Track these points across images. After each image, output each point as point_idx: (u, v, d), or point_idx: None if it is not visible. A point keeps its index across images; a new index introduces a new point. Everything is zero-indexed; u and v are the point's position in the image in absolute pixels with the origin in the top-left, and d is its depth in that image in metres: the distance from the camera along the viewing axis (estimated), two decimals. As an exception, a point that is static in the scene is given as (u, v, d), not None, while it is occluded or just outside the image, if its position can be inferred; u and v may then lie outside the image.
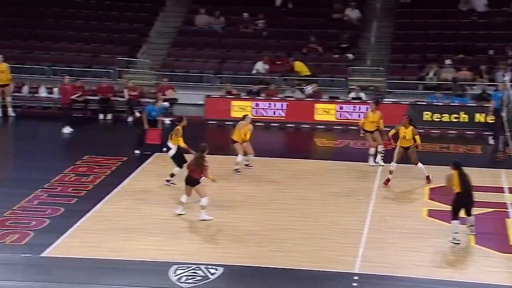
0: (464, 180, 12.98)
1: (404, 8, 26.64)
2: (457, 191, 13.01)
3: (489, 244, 12.87)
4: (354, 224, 13.89)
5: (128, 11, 27.70)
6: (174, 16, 27.69)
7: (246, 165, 17.25)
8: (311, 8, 27.01)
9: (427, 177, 16.09)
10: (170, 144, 15.87)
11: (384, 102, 22.59)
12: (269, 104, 22.74)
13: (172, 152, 15.79)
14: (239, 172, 16.93)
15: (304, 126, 22.27)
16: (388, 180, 16.03)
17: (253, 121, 18.46)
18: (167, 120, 22.44)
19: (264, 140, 21.48)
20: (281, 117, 22.62)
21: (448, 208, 14.52)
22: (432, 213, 14.49)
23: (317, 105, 22.52)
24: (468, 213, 13.17)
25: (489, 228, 13.65)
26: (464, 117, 21.55)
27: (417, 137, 16.21)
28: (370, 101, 19.29)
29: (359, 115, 21.91)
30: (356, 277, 11.56)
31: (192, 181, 13.90)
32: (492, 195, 15.34)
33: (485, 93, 22.10)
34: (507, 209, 14.50)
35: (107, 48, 26.05)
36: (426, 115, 21.86)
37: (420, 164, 16.14)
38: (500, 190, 15.68)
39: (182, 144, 15.77)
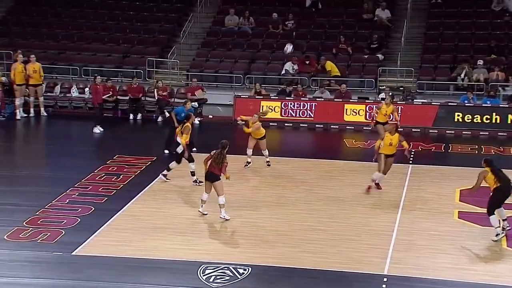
0: (500, 175, 13.00)
1: (435, 8, 26.39)
2: (495, 186, 12.99)
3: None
4: (383, 225, 13.79)
5: (159, 12, 27.92)
6: (204, 17, 27.81)
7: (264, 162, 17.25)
8: (340, 9, 26.93)
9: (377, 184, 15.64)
10: (179, 139, 15.88)
11: (415, 103, 22.46)
12: (298, 104, 22.70)
13: (181, 148, 15.85)
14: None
15: (333, 126, 22.19)
16: (369, 187, 15.56)
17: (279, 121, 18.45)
18: (196, 121, 22.55)
19: (293, 141, 21.49)
20: (310, 117, 22.56)
21: (479, 210, 14.41)
22: (462, 215, 14.33)
23: (347, 106, 22.40)
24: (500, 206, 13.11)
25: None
26: (496, 118, 21.25)
27: (404, 143, 15.61)
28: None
29: (389, 116, 21.77)
30: (385, 279, 11.49)
31: (212, 177, 13.84)
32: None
33: (519, 94, 21.84)
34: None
35: (137, 49, 26.27)
36: (458, 116, 21.61)
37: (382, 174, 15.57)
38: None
39: (183, 142, 15.78)
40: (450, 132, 21.41)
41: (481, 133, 21.26)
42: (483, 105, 21.76)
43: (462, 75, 23.11)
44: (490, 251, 12.62)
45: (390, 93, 20.81)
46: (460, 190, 15.66)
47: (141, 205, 14.91)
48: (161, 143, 18.99)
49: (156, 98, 23.14)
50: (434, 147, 19.77)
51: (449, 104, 22.03)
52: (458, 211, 14.50)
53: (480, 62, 23.20)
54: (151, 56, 25.39)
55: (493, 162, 13.36)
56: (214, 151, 13.95)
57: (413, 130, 21.47)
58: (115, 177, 16.61)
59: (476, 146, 19.83)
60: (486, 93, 22.32)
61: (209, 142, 18.93)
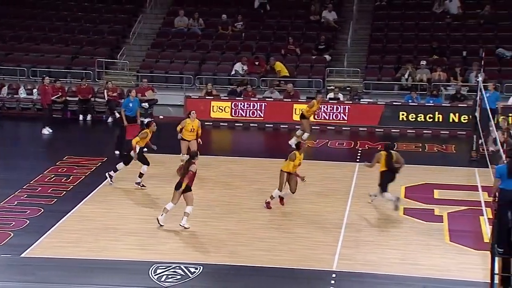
0: (389, 162, 14.46)
1: (380, 11, 27.08)
2: (382, 169, 14.53)
3: (464, 242, 13.18)
4: (333, 222, 14.16)
5: (108, 13, 27.87)
6: (153, 18, 27.91)
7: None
8: (289, 10, 27.39)
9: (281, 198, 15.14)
10: (133, 142, 15.85)
11: (361, 102, 23.06)
12: (248, 104, 23.01)
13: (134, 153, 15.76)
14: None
15: (282, 126, 22.57)
16: (282, 199, 14.99)
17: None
18: (146, 121, 22.65)
19: (244, 141, 21.79)
20: (260, 117, 22.90)
21: (423, 206, 15.00)
22: (407, 212, 14.80)
23: (296, 106, 22.82)
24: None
25: (464, 226, 13.99)
26: (438, 117, 21.94)
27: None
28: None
29: (336, 115, 22.31)
30: (334, 275, 11.80)
31: (181, 187, 13.76)
32: (466, 193, 15.71)
33: (459, 93, 22.58)
34: (481, 207, 14.81)
35: (87, 50, 26.18)
36: (402, 115, 22.26)
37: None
38: (474, 188, 16.02)
39: (134, 144, 15.67)
40: (395, 130, 22.03)
41: (424, 131, 21.94)
42: (426, 104, 22.46)
43: (406, 75, 23.81)
44: (435, 246, 13.07)
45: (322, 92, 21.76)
46: (405, 187, 16.18)
47: (93, 206, 14.95)
48: (111, 143, 19.03)
49: (106, 99, 23.11)
50: (380, 146, 20.28)
51: (394, 103, 22.67)
52: (404, 208, 14.94)
53: (423, 62, 23.94)
54: (101, 57, 25.34)
55: (390, 147, 15.05)
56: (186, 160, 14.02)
57: (360, 129, 22.02)
58: (65, 178, 16.59)
59: (420, 144, 20.45)
60: (429, 92, 23.04)
61: (160, 143, 19.08)
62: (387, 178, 14.70)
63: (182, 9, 27.18)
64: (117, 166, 16.19)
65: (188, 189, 13.67)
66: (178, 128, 17.17)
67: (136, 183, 15.99)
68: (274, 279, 11.78)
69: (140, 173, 16.00)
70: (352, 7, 27.27)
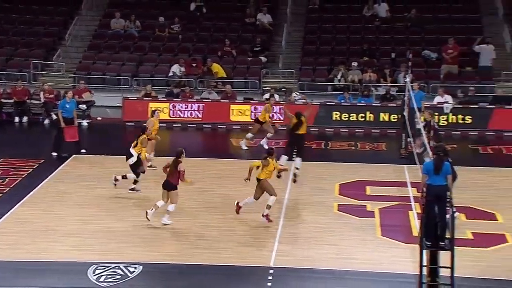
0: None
1: (313, 14, 27.73)
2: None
3: (395, 236, 13.72)
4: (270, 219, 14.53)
5: (43, 15, 27.55)
6: (89, 20, 27.79)
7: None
8: (225, 13, 27.73)
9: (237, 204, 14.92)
10: (132, 151, 15.75)
11: (296, 103, 23.60)
12: (186, 105, 23.25)
13: (133, 159, 15.65)
14: (155, 167, 17.03)
15: (220, 126, 22.89)
16: (239, 207, 14.79)
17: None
18: (84, 122, 22.61)
19: (182, 141, 21.95)
20: (198, 118, 23.18)
21: (357, 202, 15.60)
22: (342, 208, 15.30)
23: (233, 106, 23.20)
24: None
25: (394, 221, 14.56)
26: (370, 116, 22.67)
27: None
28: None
29: (273, 115, 22.79)
30: (271, 271, 12.14)
31: (168, 186, 13.98)
32: (396, 189, 16.33)
33: (388, 93, 23.46)
34: (410, 202, 15.40)
35: (22, 51, 25.86)
36: (335, 115, 22.92)
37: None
38: (403, 184, 16.63)
39: (143, 156, 15.77)
40: (329, 130, 22.63)
41: (356, 130, 22.62)
42: (358, 104, 23.19)
43: (339, 76, 24.53)
44: (368, 241, 13.59)
45: (271, 94, 22.16)
46: (339, 184, 16.78)
47: (30, 207, 14.87)
48: (48, 145, 18.93)
49: (43, 101, 22.92)
50: (315, 144, 20.84)
51: (328, 103, 23.33)
52: (338, 204, 15.46)
53: (355, 64, 24.70)
54: (36, 59, 25.07)
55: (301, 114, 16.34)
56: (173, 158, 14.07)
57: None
58: (1, 180, 16.42)
59: (353, 143, 21.08)
60: (361, 93, 23.81)
61: (98, 144, 19.19)
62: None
63: (118, 11, 27.16)
64: (127, 176, 15.77)
65: (174, 187, 13.90)
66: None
67: (115, 179, 15.74)
68: (215, 277, 12.03)
69: (124, 176, 15.72)
70: (286, 10, 27.85)
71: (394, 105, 22.26)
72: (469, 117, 21.98)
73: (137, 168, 15.68)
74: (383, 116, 22.56)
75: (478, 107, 22.35)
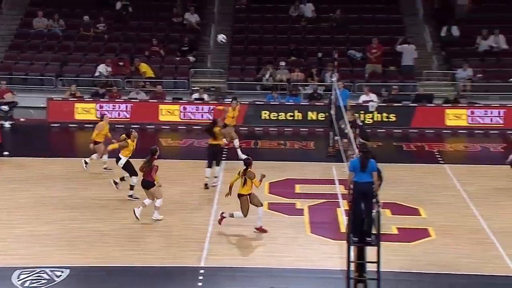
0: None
1: (240, 14, 27.84)
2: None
3: (323, 233, 14.00)
4: (201, 220, 14.57)
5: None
6: (10, 19, 27.04)
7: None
8: (151, 12, 27.49)
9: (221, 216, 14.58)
10: (121, 155, 15.84)
11: (225, 102, 23.68)
12: (114, 105, 22.95)
13: (122, 162, 15.76)
14: (111, 169, 17.13)
15: (149, 127, 22.70)
16: (222, 218, 14.32)
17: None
18: (7, 124, 22.01)
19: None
20: (126, 118, 22.91)
21: (287, 201, 15.80)
22: (272, 206, 15.46)
23: (161, 106, 23.05)
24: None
25: (323, 218, 14.83)
26: (298, 115, 22.96)
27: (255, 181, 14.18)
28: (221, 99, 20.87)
29: (202, 115, 22.78)
30: (202, 271, 12.19)
31: (147, 184, 14.22)
32: (324, 187, 16.63)
33: (316, 92, 23.84)
34: (338, 199, 15.73)
35: None
36: (264, 114, 23.12)
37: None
38: (331, 182, 16.95)
39: (110, 148, 16.25)
40: (258, 129, 22.81)
41: (285, 129, 22.88)
42: (287, 103, 23.45)
43: (267, 76, 24.74)
44: (298, 238, 13.80)
45: (234, 97, 21.77)
46: (269, 183, 16.93)
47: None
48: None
49: (-38, 102, 22.18)
50: (244, 144, 20.94)
51: (257, 103, 23.50)
52: (268, 203, 15.57)
53: (282, 63, 24.95)
54: (-45, 59, 24.24)
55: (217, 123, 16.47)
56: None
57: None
58: None
59: (282, 142, 21.30)
60: (289, 92, 24.11)
61: (22, 146, 18.72)
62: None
63: (40, 10, 26.51)
64: (130, 182, 15.64)
65: (151, 185, 14.06)
66: (95, 134, 17.25)
67: (128, 196, 15.57)
68: (145, 278, 11.97)
69: (130, 185, 15.63)
70: (213, 10, 27.87)
71: (322, 104, 22.62)
72: (393, 115, 22.57)
73: (129, 167, 15.71)
74: (311, 115, 22.89)
75: (401, 106, 22.98)
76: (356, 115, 18.83)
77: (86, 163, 17.29)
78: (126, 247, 13.12)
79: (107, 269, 12.19)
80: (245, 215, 13.84)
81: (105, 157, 17.40)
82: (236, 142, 19.05)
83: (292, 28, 26.94)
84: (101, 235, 13.61)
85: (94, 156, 17.38)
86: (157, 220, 14.36)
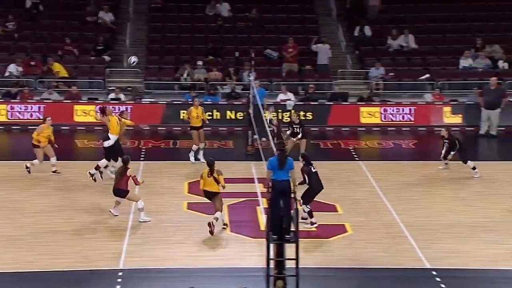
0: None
1: (156, 12, 27.57)
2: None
3: (243, 231, 14.11)
4: (118, 221, 14.40)
5: None
6: None
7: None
8: (63, 11, 26.86)
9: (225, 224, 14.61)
10: (109, 134, 16.19)
11: (143, 102, 23.45)
12: (26, 106, 22.29)
13: (109, 142, 16.05)
14: (60, 173, 17.03)
15: (63, 128, 22.13)
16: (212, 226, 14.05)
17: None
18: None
19: (24, 143, 21.02)
20: (39, 119, 22.21)
21: (206, 200, 15.79)
22: (191, 206, 15.47)
23: (77, 107, 22.57)
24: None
25: (242, 217, 14.94)
26: (216, 114, 22.94)
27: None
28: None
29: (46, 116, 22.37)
30: (120, 273, 12.05)
31: (120, 193, 14.14)
32: (244, 185, 16.73)
33: (234, 92, 23.95)
34: (257, 198, 15.88)
35: None
36: (183, 114, 22.98)
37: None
38: (251, 180, 17.09)
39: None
40: (177, 129, 22.68)
41: (204, 129, 22.85)
42: (205, 103, 23.37)
43: (185, 75, 24.66)
44: (218, 237, 13.86)
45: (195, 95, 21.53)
46: (188, 183, 16.90)
47: None
48: None
49: None
50: (163, 144, 20.84)
51: (175, 102, 23.37)
52: (187, 203, 15.60)
53: (200, 63, 24.90)
54: None
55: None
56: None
57: (144, 128, 22.02)
58: None
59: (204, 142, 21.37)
60: (207, 91, 24.11)
61: None
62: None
63: None
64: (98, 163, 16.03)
65: (123, 193, 14.23)
66: (35, 135, 16.99)
67: (90, 172, 16.00)
68: (59, 284, 11.75)
69: (98, 165, 16.04)
70: (128, 9, 27.50)
71: (240, 103, 22.74)
72: (310, 113, 22.94)
73: (109, 152, 15.83)
74: (230, 114, 22.98)
75: (318, 104, 23.40)
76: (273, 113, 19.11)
77: (27, 167, 16.98)
78: (39, 251, 12.80)
79: (18, 275, 11.89)
80: (221, 210, 14.04)
81: (53, 159, 17.08)
82: (196, 147, 18.62)
83: (209, 27, 26.93)
84: (11, 239, 13.23)
85: (35, 161, 16.96)
86: (145, 221, 14.28)
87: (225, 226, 14.27)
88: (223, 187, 14.14)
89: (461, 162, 17.42)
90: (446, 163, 17.69)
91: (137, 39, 26.70)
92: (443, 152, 17.54)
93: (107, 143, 16.16)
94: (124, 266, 12.35)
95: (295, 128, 18.19)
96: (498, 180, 17.13)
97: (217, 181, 14.00)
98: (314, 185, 14.16)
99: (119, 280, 11.84)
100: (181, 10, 27.56)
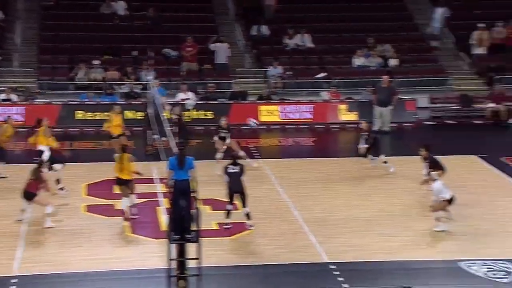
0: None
1: (49, 10, 26.73)
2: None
3: (144, 232, 13.96)
4: (11, 226, 13.90)
5: None
6: None
7: None
8: None
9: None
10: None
11: (36, 103, 22.64)
12: None
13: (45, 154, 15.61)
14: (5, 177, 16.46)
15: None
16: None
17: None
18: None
19: None
20: None
21: (105, 202, 15.50)
22: (90, 209, 15.17)
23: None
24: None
25: (144, 218, 14.75)
26: (115, 114, 22.65)
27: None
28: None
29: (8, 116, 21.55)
30: (14, 280, 11.66)
31: (29, 196, 13.61)
32: (145, 186, 16.39)
33: (132, 91, 23.58)
34: (158, 198, 15.73)
35: None
36: (79, 114, 22.44)
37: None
38: (151, 181, 16.85)
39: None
40: (73, 130, 22.10)
41: (102, 129, 22.37)
42: (102, 102, 22.98)
43: (81, 75, 24.04)
44: (118, 240, 13.64)
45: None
46: (87, 185, 16.49)
47: None
48: None
49: None
50: (59, 145, 20.19)
51: (70, 103, 22.73)
52: (86, 205, 15.28)
53: (96, 62, 24.38)
54: None
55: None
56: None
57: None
58: None
59: (100, 142, 20.69)
60: (104, 91, 23.62)
61: None
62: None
63: None
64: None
65: (34, 195, 13.87)
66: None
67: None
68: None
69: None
70: (17, 6, 26.51)
71: (139, 102, 22.43)
72: (211, 112, 22.96)
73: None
74: (129, 114, 22.61)
75: (218, 103, 23.46)
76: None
77: None
78: None
79: None
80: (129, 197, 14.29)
81: None
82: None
83: (105, 26, 26.39)
84: None
85: None
86: (51, 227, 13.89)
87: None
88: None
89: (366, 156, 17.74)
90: (372, 159, 17.89)
91: (29, 37, 25.77)
92: (362, 146, 17.68)
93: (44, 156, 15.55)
94: (19, 273, 11.92)
95: (222, 134, 18.04)
96: (391, 174, 17.75)
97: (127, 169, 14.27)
98: (229, 185, 14.21)
99: (14, 287, 11.44)
100: (75, 8, 26.87)
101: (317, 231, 14.10)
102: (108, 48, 25.35)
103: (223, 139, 17.93)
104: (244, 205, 14.27)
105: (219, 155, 17.67)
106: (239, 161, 14.68)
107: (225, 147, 17.72)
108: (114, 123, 18.37)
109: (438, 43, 27.02)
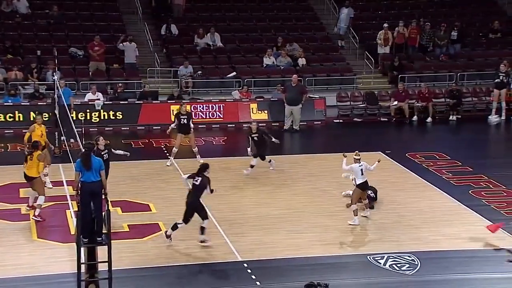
0: None
1: None
2: None
3: (52, 237, 13.63)
4: None
5: None
6: None
7: None
8: None
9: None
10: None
11: None
12: None
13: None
14: None
15: None
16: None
17: None
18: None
19: None
20: None
21: (10, 206, 15.01)
22: (-5, 214, 14.67)
23: None
24: None
25: (52, 221, 14.40)
26: (19, 116, 21.81)
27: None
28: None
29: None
30: None
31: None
32: (53, 189, 16.09)
33: (37, 92, 22.88)
34: (67, 201, 15.36)
35: None
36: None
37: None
38: (59, 183, 16.45)
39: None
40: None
41: (6, 131, 21.63)
42: (5, 104, 22.19)
43: (-18, 75, 23.14)
44: (22, 245, 13.20)
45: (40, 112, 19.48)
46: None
47: None
48: None
49: None
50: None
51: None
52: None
53: (1, 62, 23.61)
54: None
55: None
56: None
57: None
58: None
59: (3, 145, 20.19)
60: (7, 92, 22.81)
61: None
62: None
63: None
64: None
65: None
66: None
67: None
68: None
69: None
70: None
71: (44, 103, 21.81)
72: (120, 112, 22.61)
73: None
74: (33, 115, 21.89)
75: (127, 103, 23.14)
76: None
77: None
78: None
79: None
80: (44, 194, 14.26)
81: None
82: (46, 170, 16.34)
83: (5, 24, 25.49)
84: None
85: None
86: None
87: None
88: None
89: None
90: (269, 161, 17.97)
91: None
92: (251, 148, 17.84)
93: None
94: None
95: (182, 120, 18.03)
96: (299, 172, 18.06)
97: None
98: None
99: None
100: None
101: (228, 229, 14.18)
102: (10, 47, 24.48)
103: (183, 126, 18.17)
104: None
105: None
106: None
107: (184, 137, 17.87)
108: (38, 133, 16.67)
109: (344, 43, 27.71)
